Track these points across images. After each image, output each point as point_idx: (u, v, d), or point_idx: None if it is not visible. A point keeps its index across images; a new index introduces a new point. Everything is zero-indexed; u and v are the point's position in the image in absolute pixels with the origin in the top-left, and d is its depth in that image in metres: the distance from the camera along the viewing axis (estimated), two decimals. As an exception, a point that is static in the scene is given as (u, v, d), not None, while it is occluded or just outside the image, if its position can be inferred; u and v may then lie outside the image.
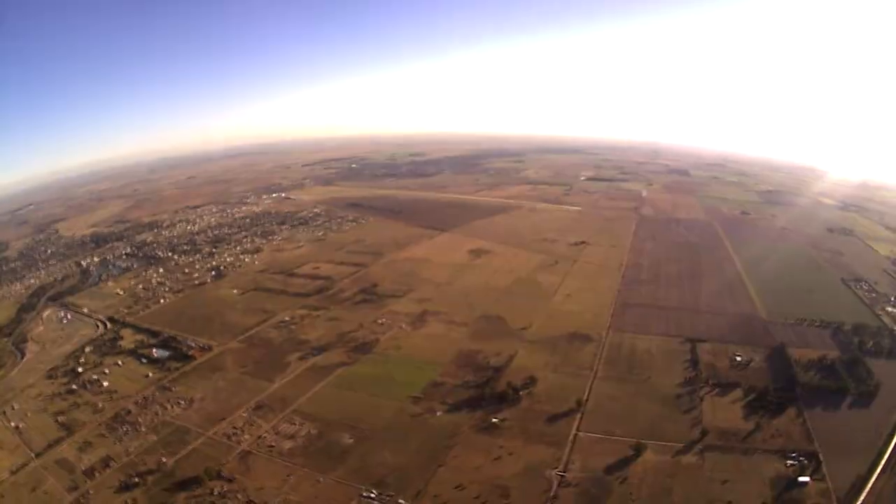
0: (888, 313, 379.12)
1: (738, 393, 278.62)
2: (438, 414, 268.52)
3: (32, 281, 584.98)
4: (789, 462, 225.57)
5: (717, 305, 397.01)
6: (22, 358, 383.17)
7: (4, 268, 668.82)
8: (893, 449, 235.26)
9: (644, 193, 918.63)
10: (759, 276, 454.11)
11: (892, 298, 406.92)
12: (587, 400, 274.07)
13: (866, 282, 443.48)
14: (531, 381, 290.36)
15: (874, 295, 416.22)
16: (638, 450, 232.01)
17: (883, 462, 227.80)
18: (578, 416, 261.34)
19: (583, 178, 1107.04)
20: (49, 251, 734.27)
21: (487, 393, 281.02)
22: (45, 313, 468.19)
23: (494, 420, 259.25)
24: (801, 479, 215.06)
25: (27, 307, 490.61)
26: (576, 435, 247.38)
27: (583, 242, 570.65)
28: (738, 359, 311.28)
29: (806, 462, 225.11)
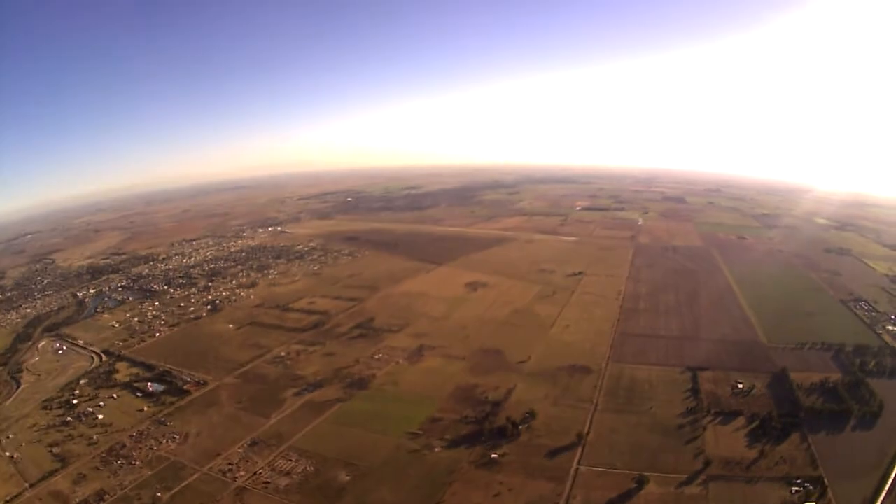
0: (889, 332, 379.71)
1: (740, 421, 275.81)
2: (437, 450, 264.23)
3: (28, 311, 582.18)
4: (794, 489, 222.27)
5: (716, 332, 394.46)
6: (17, 388, 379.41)
7: (0, 297, 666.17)
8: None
9: (640, 222, 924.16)
10: (758, 301, 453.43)
11: (892, 317, 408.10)
12: (588, 433, 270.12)
13: (866, 301, 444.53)
14: (530, 414, 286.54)
15: (874, 314, 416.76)
16: (640, 482, 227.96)
17: (888, 484, 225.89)
18: (579, 449, 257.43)
19: (578, 208, 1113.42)
20: (45, 281, 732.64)
21: (486, 428, 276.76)
22: (41, 344, 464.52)
23: (494, 455, 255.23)
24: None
25: (23, 337, 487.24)
26: (577, 469, 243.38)
27: (580, 273, 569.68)
28: (740, 386, 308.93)
29: (811, 488, 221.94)
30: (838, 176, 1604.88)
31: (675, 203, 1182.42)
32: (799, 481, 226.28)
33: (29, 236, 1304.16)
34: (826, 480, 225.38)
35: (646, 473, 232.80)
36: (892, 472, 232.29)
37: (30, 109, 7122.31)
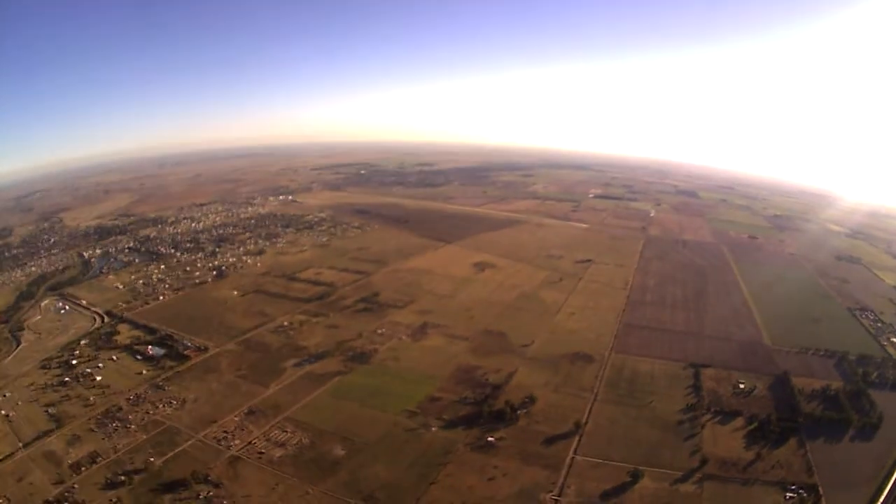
0: (893, 344, 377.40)
1: (739, 421, 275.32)
2: (434, 430, 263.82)
3: (33, 269, 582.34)
4: (788, 495, 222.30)
5: (721, 330, 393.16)
6: (17, 346, 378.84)
7: (6, 254, 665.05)
8: (894, 484, 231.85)
9: (652, 213, 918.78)
10: (766, 303, 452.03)
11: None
12: (586, 422, 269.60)
13: (872, 311, 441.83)
14: (530, 400, 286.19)
15: (879, 325, 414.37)
16: (635, 476, 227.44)
17: (882, 497, 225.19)
18: (576, 438, 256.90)
19: (591, 196, 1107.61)
20: (52, 240, 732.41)
21: (485, 410, 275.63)
22: (44, 303, 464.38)
23: (490, 439, 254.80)
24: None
25: (26, 295, 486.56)
26: (573, 458, 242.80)
27: (589, 260, 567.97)
28: (742, 386, 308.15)
29: (805, 495, 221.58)
30: (854, 183, 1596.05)
31: (688, 197, 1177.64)
32: (794, 487, 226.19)
33: (39, 194, 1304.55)
34: (820, 489, 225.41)
35: (641, 468, 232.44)
36: (887, 485, 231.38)
37: (47, 69, 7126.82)
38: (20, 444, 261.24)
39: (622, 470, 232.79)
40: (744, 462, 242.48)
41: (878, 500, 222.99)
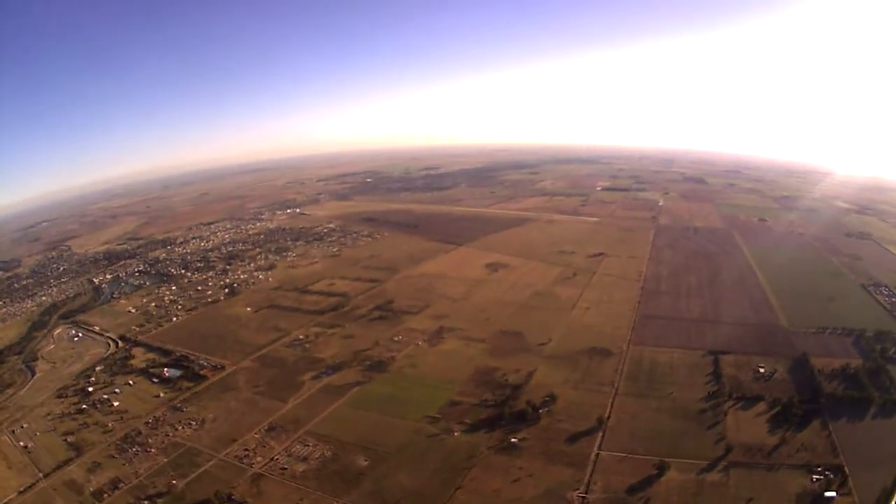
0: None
1: (762, 406, 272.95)
2: (456, 434, 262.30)
3: (44, 298, 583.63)
4: (815, 477, 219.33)
5: (738, 315, 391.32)
6: (32, 376, 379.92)
7: (16, 285, 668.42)
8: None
9: (661, 203, 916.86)
10: (779, 284, 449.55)
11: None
12: (608, 417, 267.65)
13: (886, 287, 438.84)
14: (551, 398, 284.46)
15: (895, 300, 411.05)
16: (661, 468, 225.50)
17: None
18: (600, 434, 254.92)
19: (599, 189, 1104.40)
20: (61, 268, 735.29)
21: (506, 412, 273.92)
22: (57, 331, 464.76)
23: (513, 440, 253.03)
24: (828, 494, 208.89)
25: (38, 325, 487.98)
26: (597, 454, 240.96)
27: (601, 254, 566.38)
28: (761, 370, 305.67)
29: (832, 476, 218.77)
30: (858, 159, 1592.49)
31: (695, 184, 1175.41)
32: (819, 469, 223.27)
33: (45, 223, 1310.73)
34: (846, 469, 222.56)
35: (666, 459, 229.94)
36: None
37: (47, 98, 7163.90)
38: (40, 475, 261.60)
39: (648, 463, 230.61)
40: (768, 447, 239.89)
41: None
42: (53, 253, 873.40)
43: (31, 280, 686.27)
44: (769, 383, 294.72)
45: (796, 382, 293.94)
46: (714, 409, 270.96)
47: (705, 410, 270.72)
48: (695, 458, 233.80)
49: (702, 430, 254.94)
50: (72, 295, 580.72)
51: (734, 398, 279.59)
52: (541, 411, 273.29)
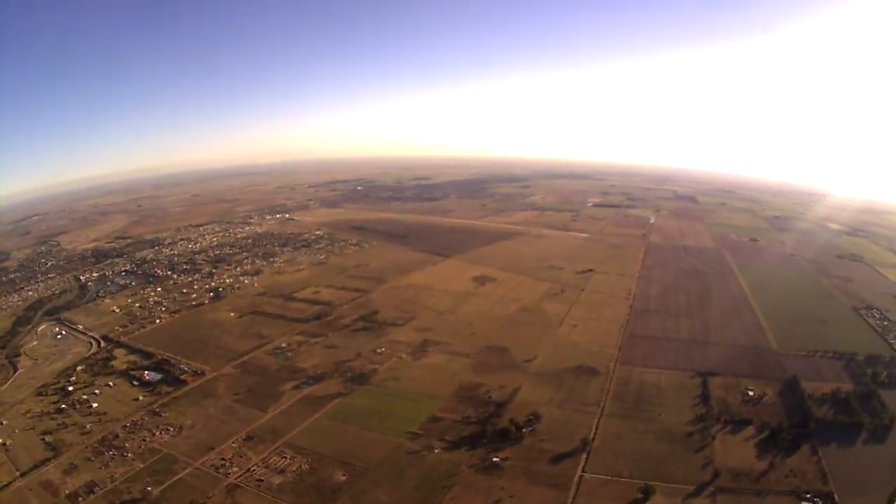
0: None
1: (750, 430, 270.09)
2: (437, 451, 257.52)
3: (30, 293, 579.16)
4: None
5: (727, 337, 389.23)
6: (14, 372, 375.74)
7: (3, 279, 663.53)
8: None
9: (652, 220, 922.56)
10: (770, 306, 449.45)
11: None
12: (594, 438, 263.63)
13: (878, 310, 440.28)
14: (535, 417, 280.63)
15: (886, 323, 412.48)
16: (647, 493, 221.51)
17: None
18: (584, 455, 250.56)
19: (590, 205, 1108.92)
20: (49, 264, 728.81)
21: (489, 430, 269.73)
22: (41, 328, 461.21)
23: (495, 459, 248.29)
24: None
25: (23, 320, 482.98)
26: (581, 476, 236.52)
27: (590, 270, 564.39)
28: (751, 393, 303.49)
29: (821, 503, 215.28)
30: (852, 181, 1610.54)
31: (687, 202, 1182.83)
32: (808, 496, 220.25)
33: (36, 217, 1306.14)
34: (836, 496, 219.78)
35: (652, 483, 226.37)
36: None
37: (42, 91, 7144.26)
38: (17, 474, 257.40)
39: (632, 486, 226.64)
40: (756, 472, 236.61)
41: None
42: (42, 248, 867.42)
43: (18, 274, 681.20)
44: (758, 407, 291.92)
45: (786, 406, 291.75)
46: (702, 433, 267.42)
47: (693, 433, 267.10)
48: (681, 483, 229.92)
49: (689, 454, 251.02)
50: (58, 291, 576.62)
51: (722, 421, 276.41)
52: (524, 430, 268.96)
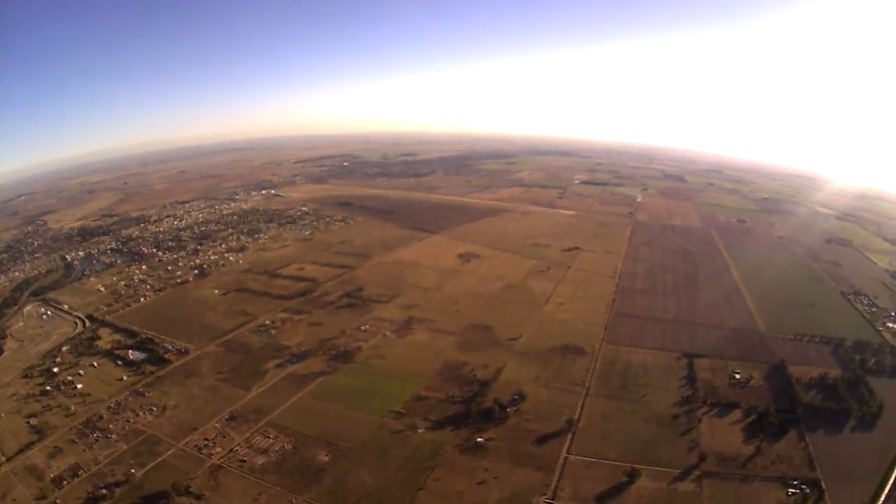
0: (889, 329, 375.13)
1: (737, 414, 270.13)
2: (420, 431, 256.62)
3: (17, 274, 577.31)
4: (791, 491, 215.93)
5: (714, 318, 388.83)
6: (0, 354, 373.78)
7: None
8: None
9: (639, 198, 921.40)
10: (758, 288, 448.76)
11: (893, 314, 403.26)
12: (579, 419, 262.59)
13: (866, 296, 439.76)
14: (520, 396, 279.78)
15: (874, 309, 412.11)
16: (632, 476, 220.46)
17: (887, 489, 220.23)
18: (569, 436, 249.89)
19: (577, 182, 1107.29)
20: (36, 244, 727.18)
21: (473, 409, 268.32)
22: (26, 308, 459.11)
23: (480, 440, 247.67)
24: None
25: (9, 301, 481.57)
26: (566, 458, 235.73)
27: (576, 248, 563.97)
28: (738, 376, 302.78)
29: (808, 491, 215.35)
30: (844, 166, 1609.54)
31: (675, 181, 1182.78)
32: (795, 482, 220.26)
33: (23, 197, 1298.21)
34: (823, 484, 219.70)
35: (638, 466, 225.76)
36: (890, 477, 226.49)
37: (29, 71, 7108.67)
38: (3, 458, 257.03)
39: (618, 469, 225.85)
40: (743, 457, 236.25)
41: (881, 493, 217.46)
42: (29, 228, 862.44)
43: (5, 255, 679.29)
44: (745, 390, 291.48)
45: (773, 390, 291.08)
46: (688, 415, 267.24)
47: (679, 416, 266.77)
48: (667, 466, 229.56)
49: (675, 437, 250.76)
50: (44, 271, 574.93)
51: (709, 404, 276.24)
52: (509, 410, 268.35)
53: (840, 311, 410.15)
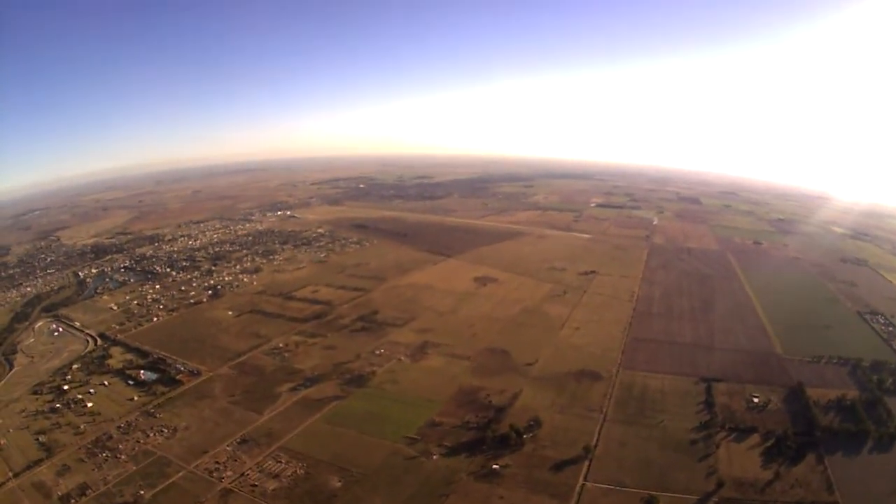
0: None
1: (755, 438, 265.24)
2: (435, 457, 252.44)
3: (29, 289, 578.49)
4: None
5: (731, 341, 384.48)
6: (10, 370, 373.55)
7: (3, 274, 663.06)
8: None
9: (655, 221, 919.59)
10: (774, 310, 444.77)
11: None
12: (596, 445, 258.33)
13: (882, 315, 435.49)
14: (536, 423, 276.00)
15: (891, 329, 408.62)
16: (650, 503, 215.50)
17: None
18: (586, 463, 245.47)
19: (593, 205, 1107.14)
20: (49, 259, 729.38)
21: (488, 436, 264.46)
22: (38, 324, 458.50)
23: (495, 466, 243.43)
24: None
25: (21, 316, 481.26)
26: (583, 485, 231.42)
27: (592, 272, 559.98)
28: (756, 400, 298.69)
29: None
30: (856, 185, 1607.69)
31: (690, 204, 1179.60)
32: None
33: (37, 212, 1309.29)
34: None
35: (655, 493, 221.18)
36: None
37: (46, 87, 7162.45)
38: (10, 474, 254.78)
39: (636, 497, 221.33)
40: (762, 482, 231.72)
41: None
42: (42, 243, 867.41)
43: (17, 269, 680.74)
44: (763, 414, 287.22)
45: (791, 413, 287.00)
46: (706, 441, 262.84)
47: (696, 441, 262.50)
48: (685, 493, 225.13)
49: (692, 463, 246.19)
50: (56, 287, 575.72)
51: (727, 429, 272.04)
52: (525, 436, 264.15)
53: (856, 332, 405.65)
